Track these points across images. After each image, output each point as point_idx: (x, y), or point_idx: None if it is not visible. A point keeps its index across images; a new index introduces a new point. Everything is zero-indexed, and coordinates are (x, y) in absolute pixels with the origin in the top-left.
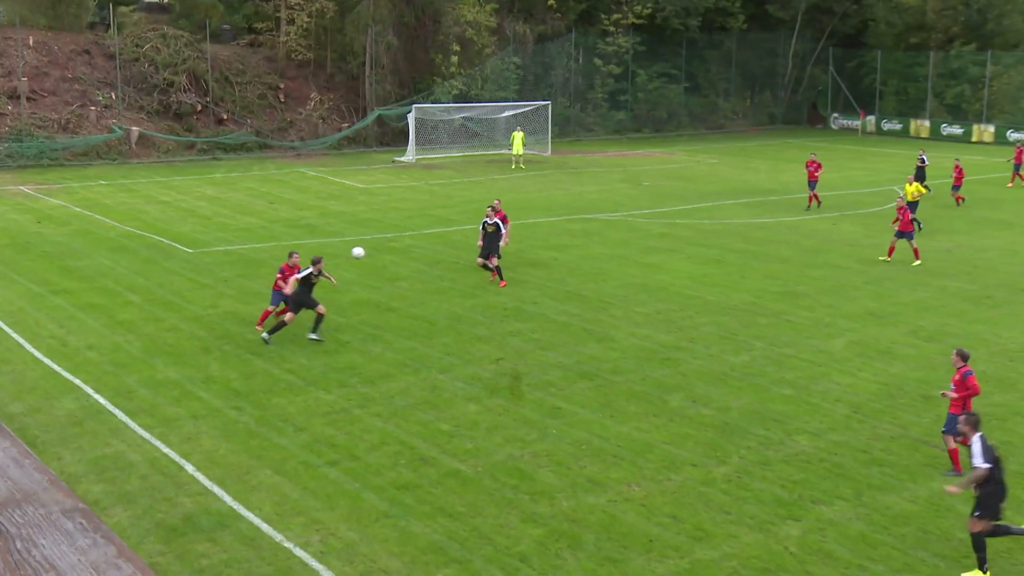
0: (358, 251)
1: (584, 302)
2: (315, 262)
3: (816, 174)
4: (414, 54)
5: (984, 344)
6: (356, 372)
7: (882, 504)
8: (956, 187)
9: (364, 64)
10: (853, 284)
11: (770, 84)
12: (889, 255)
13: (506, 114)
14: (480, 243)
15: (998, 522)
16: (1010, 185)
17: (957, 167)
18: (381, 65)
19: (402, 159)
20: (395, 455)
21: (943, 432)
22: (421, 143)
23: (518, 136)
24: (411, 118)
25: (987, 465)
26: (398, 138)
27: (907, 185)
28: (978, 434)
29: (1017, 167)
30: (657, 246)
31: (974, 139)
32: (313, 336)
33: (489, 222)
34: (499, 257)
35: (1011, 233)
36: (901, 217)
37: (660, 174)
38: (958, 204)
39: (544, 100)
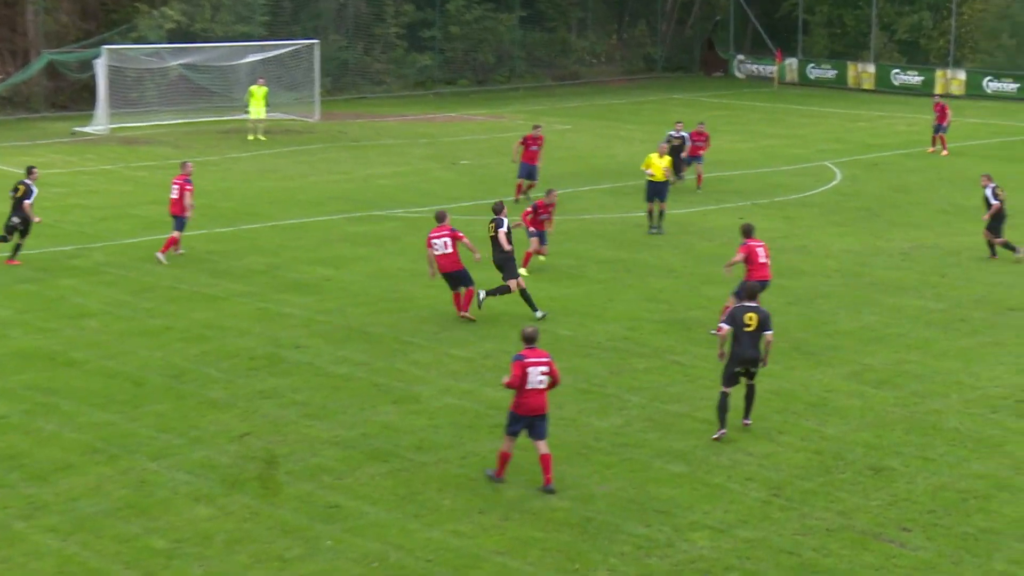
0: None
1: (374, 343)
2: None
3: (538, 158)
4: None
5: (958, 388)
6: (17, 463)
7: None
8: (694, 158)
9: None
10: (771, 306)
11: (646, 12)
12: (526, 262)
13: (250, 59)
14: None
15: None
16: (932, 150)
17: (698, 132)
18: None
19: (88, 129)
20: None
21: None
22: (118, 105)
23: (258, 92)
24: (100, 66)
25: None
26: (81, 97)
27: (653, 156)
28: None
29: (940, 128)
30: (484, 256)
31: (938, 90)
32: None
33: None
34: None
35: None
36: (535, 213)
37: (487, 147)
38: (699, 187)
39: (309, 39)
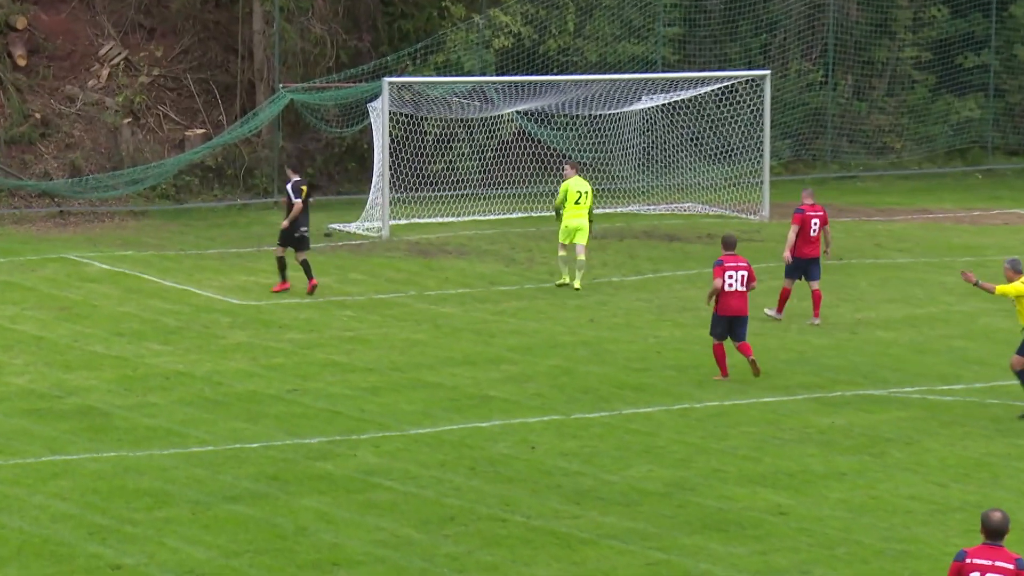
0: None
1: None
2: None
3: None
4: None
5: None
6: None
7: None
8: None
9: None
10: None
11: None
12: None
13: (643, 105)
14: None
15: None
16: None
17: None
18: None
19: (352, 227)
20: None
21: None
22: (406, 184)
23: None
24: (378, 112)
25: None
26: (342, 167)
27: None
28: None
29: None
30: None
31: None
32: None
33: None
34: None
35: None
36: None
37: None
38: None
39: (752, 70)
